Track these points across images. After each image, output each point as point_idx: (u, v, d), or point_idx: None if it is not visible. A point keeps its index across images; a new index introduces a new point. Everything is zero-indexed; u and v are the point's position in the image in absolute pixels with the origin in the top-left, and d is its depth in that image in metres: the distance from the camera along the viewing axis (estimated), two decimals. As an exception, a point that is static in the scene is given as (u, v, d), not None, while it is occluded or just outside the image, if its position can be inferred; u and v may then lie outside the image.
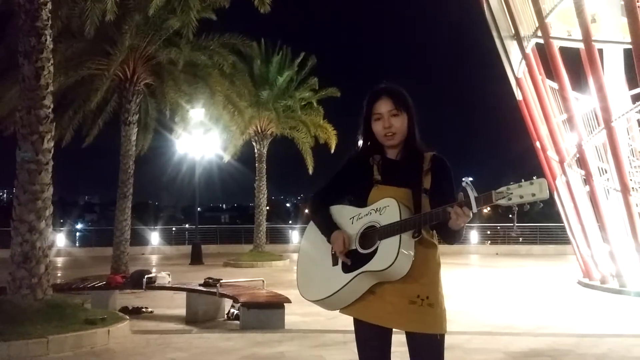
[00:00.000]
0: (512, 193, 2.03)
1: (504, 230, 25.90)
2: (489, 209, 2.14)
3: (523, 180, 2.04)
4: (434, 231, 2.37)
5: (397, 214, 2.22)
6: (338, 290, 2.28)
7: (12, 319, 6.09)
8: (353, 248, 2.31)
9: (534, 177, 2.03)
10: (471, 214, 2.10)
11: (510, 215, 25.71)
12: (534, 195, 2.01)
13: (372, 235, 2.27)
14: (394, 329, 2.35)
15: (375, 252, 2.23)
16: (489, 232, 26.44)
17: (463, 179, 2.17)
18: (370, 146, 2.45)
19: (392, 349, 2.40)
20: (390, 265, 2.17)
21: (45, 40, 6.98)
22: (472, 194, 2.08)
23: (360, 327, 2.36)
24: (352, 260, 2.28)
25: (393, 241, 2.20)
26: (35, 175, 6.80)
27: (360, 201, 2.40)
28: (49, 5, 7.09)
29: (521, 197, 2.02)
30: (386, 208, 2.27)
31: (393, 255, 2.17)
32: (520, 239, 25.60)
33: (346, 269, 2.29)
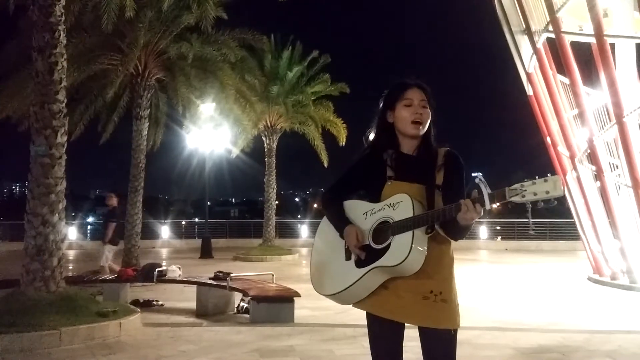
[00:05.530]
0: (525, 190, 2.00)
1: (513, 225, 25.72)
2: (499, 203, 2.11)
3: (537, 177, 2.00)
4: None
5: (411, 210, 2.23)
6: (351, 285, 2.29)
7: (25, 310, 6.17)
8: (366, 243, 2.32)
9: (548, 175, 1.99)
10: (482, 211, 2.09)
11: (526, 213, 25.48)
12: (548, 192, 1.97)
13: (385, 230, 2.28)
14: (406, 324, 2.36)
15: (388, 247, 2.24)
16: (498, 228, 26.25)
17: (474, 174, 2.17)
18: (385, 139, 2.43)
19: (404, 343, 2.41)
20: (403, 261, 2.18)
21: (59, 35, 7.04)
22: (485, 191, 2.06)
23: (373, 322, 2.37)
24: (365, 255, 2.29)
25: (406, 237, 2.20)
26: (48, 169, 6.87)
27: (374, 197, 2.40)
28: (62, 1, 7.15)
29: (535, 194, 1.99)
30: (400, 204, 2.27)
31: (406, 251, 2.18)
32: (532, 232, 25.38)
33: (359, 263, 2.30)
